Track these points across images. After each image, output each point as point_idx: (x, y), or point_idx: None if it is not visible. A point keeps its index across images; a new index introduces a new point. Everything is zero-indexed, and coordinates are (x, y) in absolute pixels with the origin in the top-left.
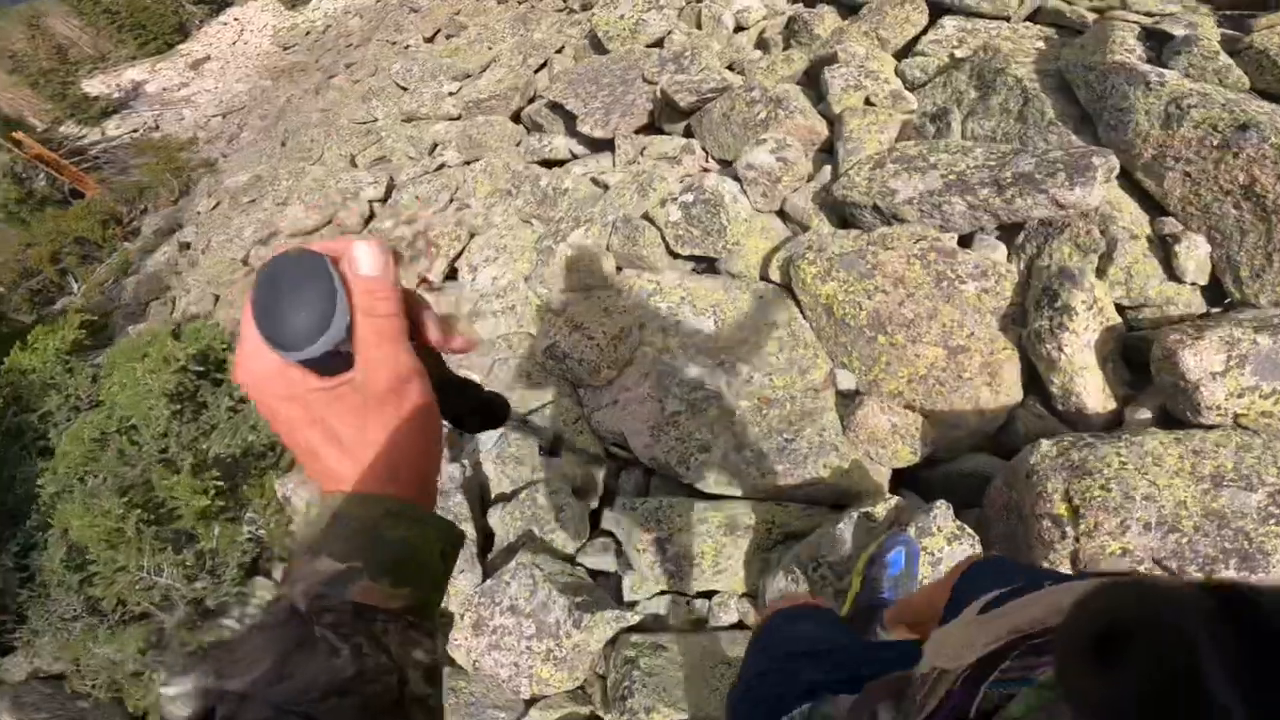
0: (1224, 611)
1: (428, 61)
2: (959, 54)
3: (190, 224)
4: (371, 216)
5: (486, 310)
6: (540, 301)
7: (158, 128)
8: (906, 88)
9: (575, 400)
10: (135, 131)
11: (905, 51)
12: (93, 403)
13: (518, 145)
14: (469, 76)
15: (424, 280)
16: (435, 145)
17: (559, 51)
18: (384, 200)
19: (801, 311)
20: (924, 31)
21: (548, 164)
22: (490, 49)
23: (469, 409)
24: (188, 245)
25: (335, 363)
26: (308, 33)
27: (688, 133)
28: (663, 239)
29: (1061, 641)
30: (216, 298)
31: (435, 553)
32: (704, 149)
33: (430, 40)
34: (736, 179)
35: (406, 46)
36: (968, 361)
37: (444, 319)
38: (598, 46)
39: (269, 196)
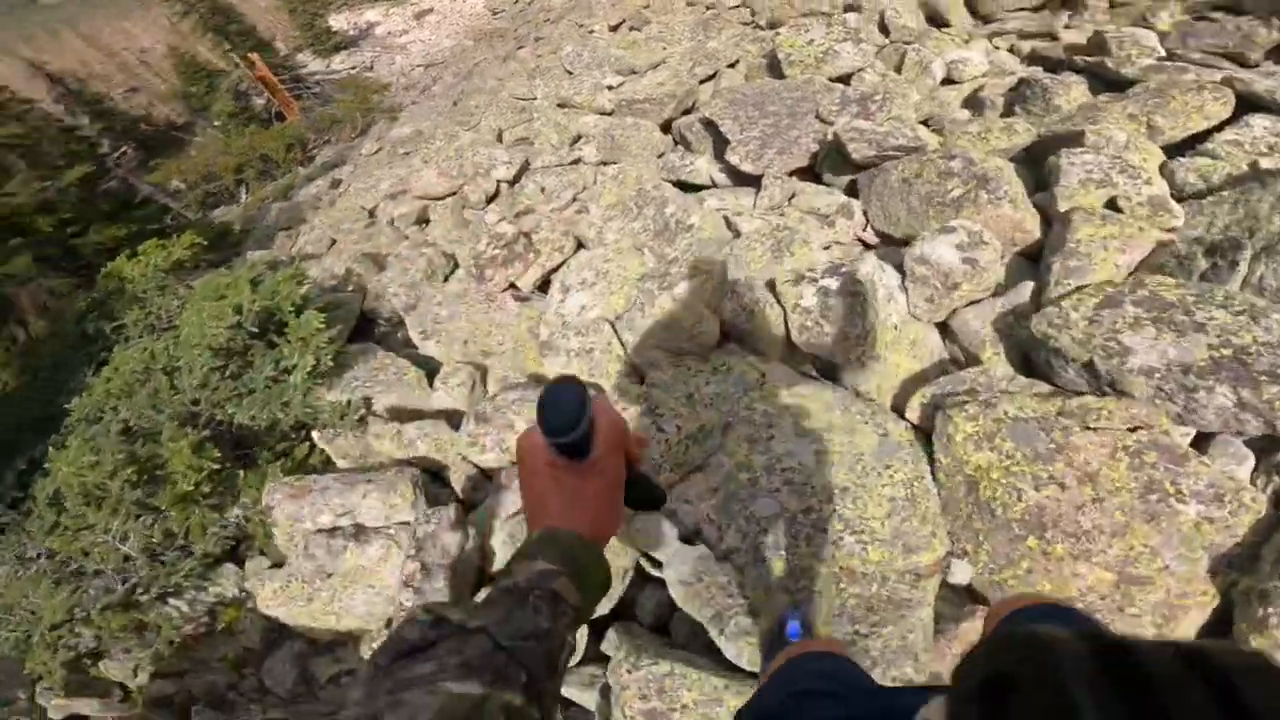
0: (1101, 659)
1: (598, 50)
2: (1265, 164)
3: (350, 164)
4: (495, 195)
5: (561, 345)
6: (623, 355)
7: (371, 68)
8: (1173, 195)
9: None
10: (353, 69)
11: (1182, 148)
12: (168, 328)
13: (659, 157)
14: (634, 73)
15: (512, 286)
16: (578, 138)
17: (732, 66)
18: (513, 182)
19: (934, 472)
20: (1219, 127)
21: (683, 186)
22: (664, 49)
23: (642, 493)
24: (338, 183)
25: (575, 450)
26: (515, 0)
27: (851, 190)
28: (785, 323)
29: (952, 690)
30: (333, 241)
31: (599, 581)
32: (866, 215)
33: (614, 30)
34: (899, 269)
35: (591, 31)
36: (1143, 596)
37: (638, 438)
38: (774, 69)
39: (419, 154)
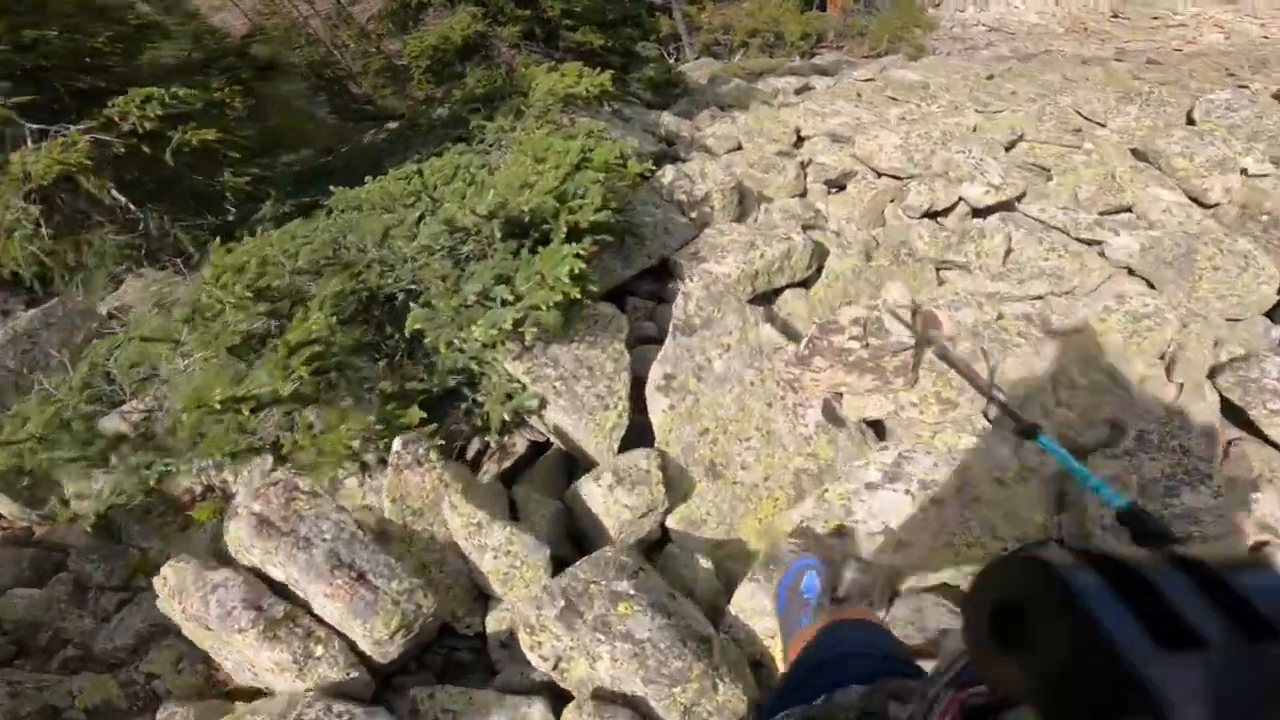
0: (1114, 575)
1: (1267, 117)
2: None
3: (837, 78)
4: (945, 213)
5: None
6: None
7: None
8: None
9: None
10: None
11: None
12: (505, 151)
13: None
14: None
15: (838, 396)
16: (1124, 211)
17: None
18: (981, 212)
19: None
20: None
21: None
22: None
23: None
24: (806, 90)
25: None
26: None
27: None
28: None
29: (964, 635)
30: (739, 146)
31: None
32: None
33: (1278, 98)
34: None
35: (1243, 86)
36: None
37: None
38: None
39: (902, 107)
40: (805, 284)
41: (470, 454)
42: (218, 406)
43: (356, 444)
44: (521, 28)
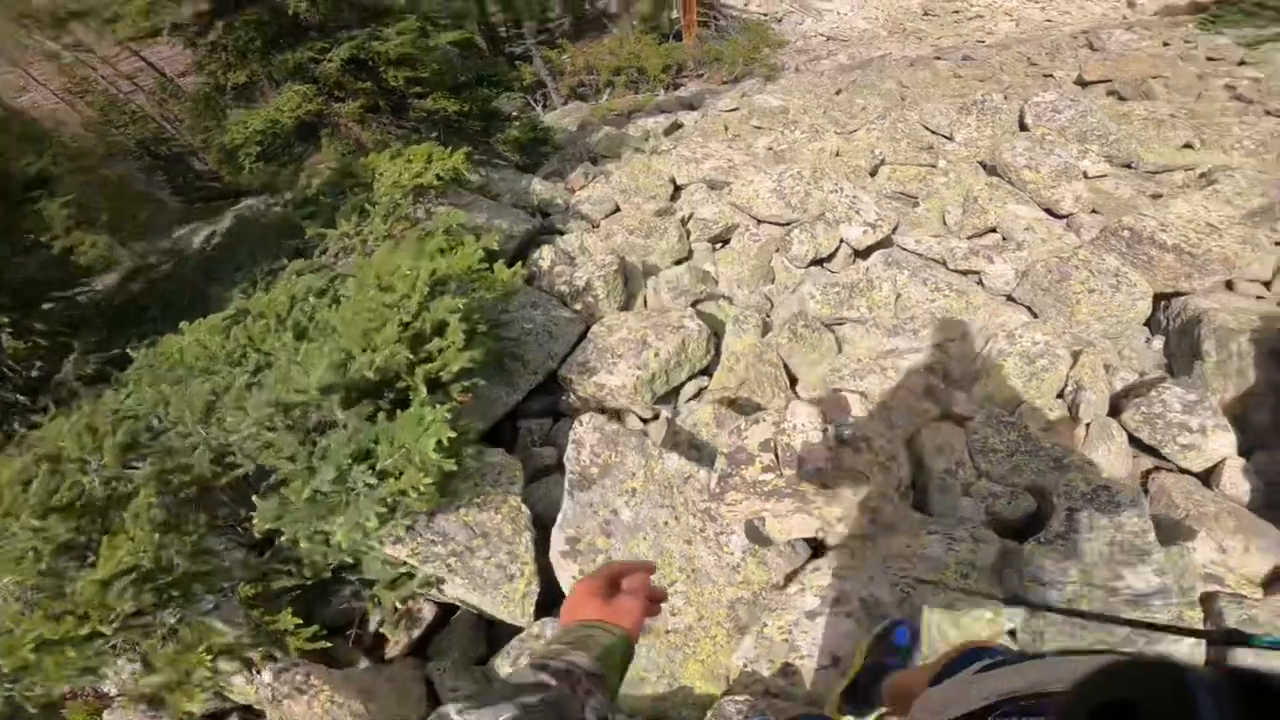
0: (1227, 686)
1: (1090, 115)
2: None
3: (701, 111)
4: (829, 259)
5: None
6: None
7: (780, 21)
8: None
9: None
10: (765, 15)
11: None
12: (364, 254)
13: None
14: (1131, 168)
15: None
16: (989, 232)
17: None
18: (863, 253)
19: None
20: None
21: None
22: (1206, 150)
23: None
24: (677, 128)
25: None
26: (956, 11)
27: None
28: None
29: (1065, 712)
30: (617, 208)
31: (618, 658)
32: None
33: (1083, 85)
34: None
35: (1049, 75)
36: None
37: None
38: None
39: (769, 136)
40: (707, 369)
41: (371, 627)
42: (31, 658)
43: (223, 664)
44: (363, 102)
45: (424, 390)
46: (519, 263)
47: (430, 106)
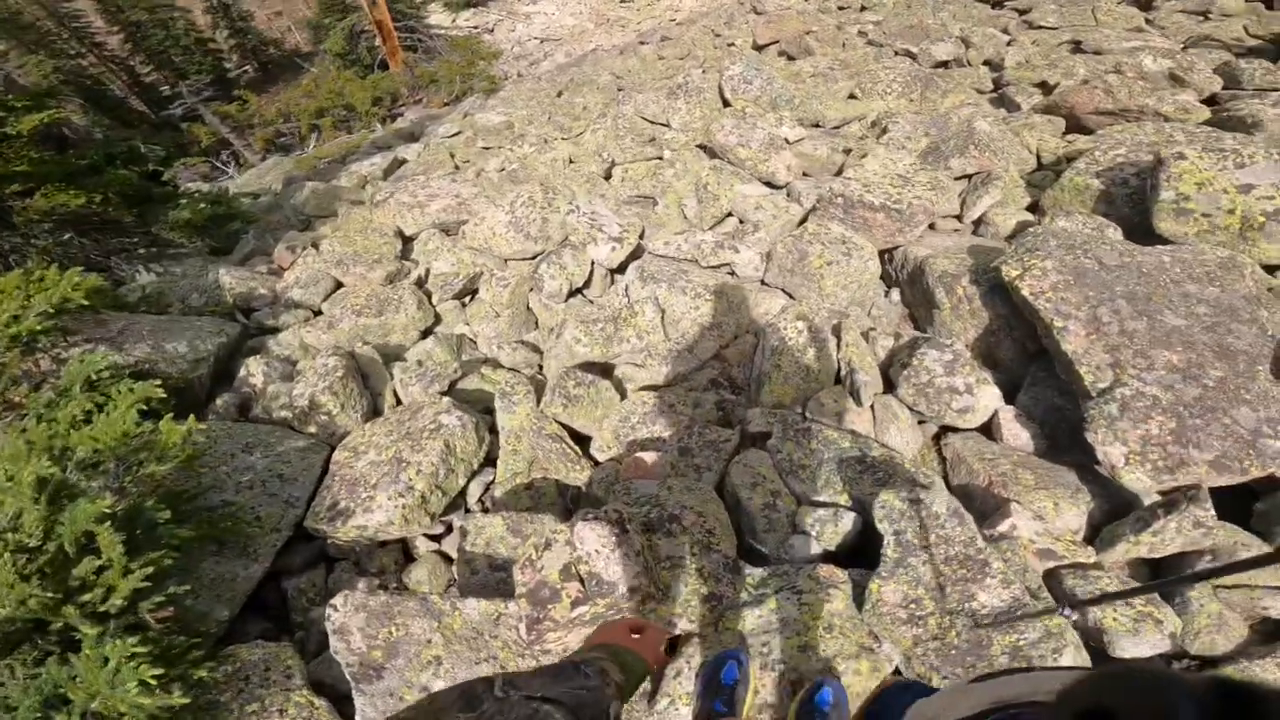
0: (1211, 696)
1: (774, 82)
2: None
3: (426, 141)
4: (585, 285)
5: None
6: None
7: (492, 31)
8: None
9: None
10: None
11: None
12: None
13: (871, 334)
14: (818, 126)
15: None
16: (727, 217)
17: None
18: (618, 270)
19: None
20: None
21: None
22: (868, 98)
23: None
24: (399, 164)
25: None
26: None
27: None
28: None
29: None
30: (337, 285)
31: (635, 682)
32: None
33: (759, 49)
34: None
35: (730, 45)
36: None
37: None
38: (1112, 206)
39: (503, 155)
40: (489, 457)
41: None
42: None
43: None
44: None
45: (89, 628)
46: (195, 413)
47: (44, 206)
